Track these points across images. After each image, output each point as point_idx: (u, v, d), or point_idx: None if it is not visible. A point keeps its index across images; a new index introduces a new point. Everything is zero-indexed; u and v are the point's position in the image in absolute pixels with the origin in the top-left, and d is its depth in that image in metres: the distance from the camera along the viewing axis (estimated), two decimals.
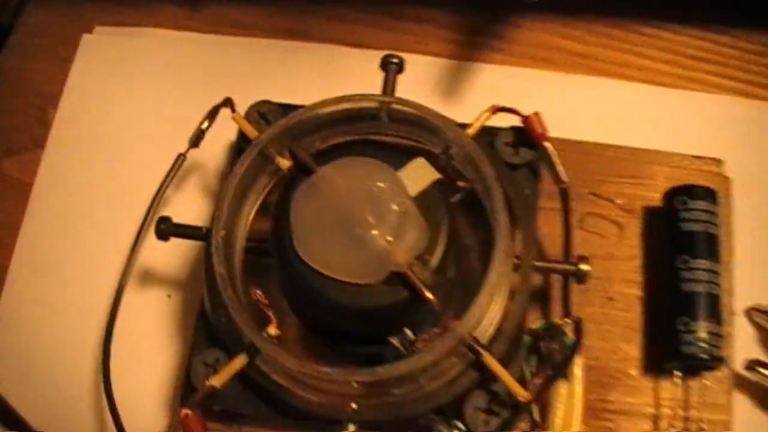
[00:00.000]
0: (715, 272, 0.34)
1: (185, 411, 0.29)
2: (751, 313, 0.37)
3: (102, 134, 0.41)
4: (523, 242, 0.32)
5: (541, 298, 0.36)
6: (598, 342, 0.35)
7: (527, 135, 0.34)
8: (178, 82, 0.42)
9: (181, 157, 0.37)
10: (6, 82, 0.43)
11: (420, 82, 0.41)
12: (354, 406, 0.30)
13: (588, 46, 0.43)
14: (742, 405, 0.35)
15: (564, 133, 0.37)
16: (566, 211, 0.34)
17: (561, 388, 0.33)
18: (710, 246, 0.34)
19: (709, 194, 0.35)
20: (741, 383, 0.36)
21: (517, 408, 0.30)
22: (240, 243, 0.33)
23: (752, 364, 0.35)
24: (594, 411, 0.34)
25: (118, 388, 0.33)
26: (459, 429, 0.30)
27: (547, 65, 0.42)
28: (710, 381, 0.34)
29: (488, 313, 0.31)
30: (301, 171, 0.31)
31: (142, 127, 0.41)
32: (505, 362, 0.30)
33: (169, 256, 0.38)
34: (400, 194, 0.29)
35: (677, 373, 0.33)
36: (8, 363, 0.37)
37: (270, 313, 0.31)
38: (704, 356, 0.32)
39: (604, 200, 0.37)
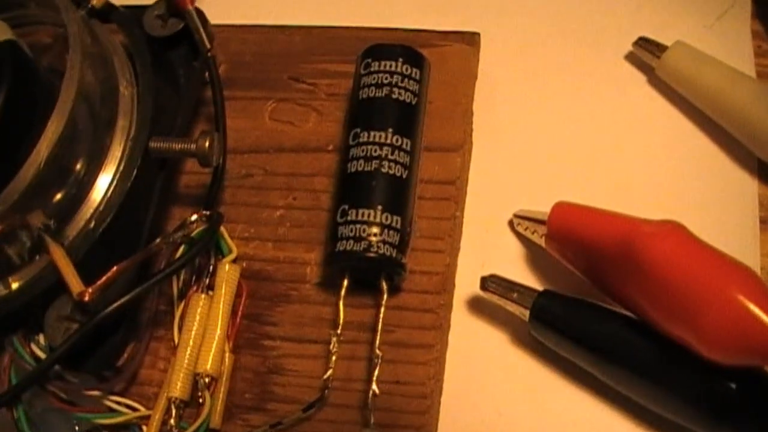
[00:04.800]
0: (399, 148, 0.26)
1: None
2: (514, 221, 0.29)
3: None
4: (137, 121, 0.26)
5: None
6: (273, 252, 0.27)
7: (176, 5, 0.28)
8: None
9: None
10: None
11: None
12: None
13: None
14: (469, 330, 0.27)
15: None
16: (213, 85, 0.27)
17: (198, 300, 0.26)
18: (394, 116, 0.26)
19: (403, 53, 0.27)
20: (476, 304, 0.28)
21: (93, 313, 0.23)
22: None
23: (487, 281, 0.27)
24: (253, 330, 0.27)
25: None
26: (37, 344, 0.25)
27: None
28: (413, 300, 0.26)
29: (79, 204, 0.25)
30: None
31: None
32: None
33: None
34: None
35: (345, 282, 0.25)
36: None
37: None
38: (363, 253, 0.24)
39: (306, 84, 0.30)
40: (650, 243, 0.24)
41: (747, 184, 0.29)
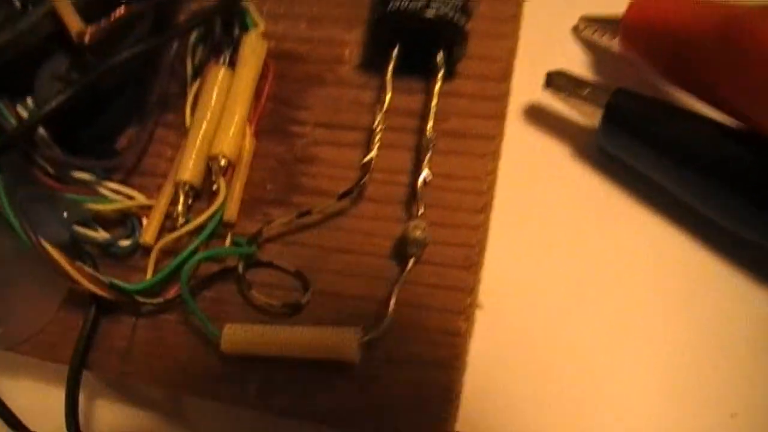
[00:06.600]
0: None
1: None
2: (579, 26, 0.25)
3: None
4: None
5: None
6: (306, 31, 0.23)
7: None
8: None
9: None
10: None
11: None
12: None
13: None
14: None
15: None
16: None
17: (216, 73, 0.22)
18: None
19: None
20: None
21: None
22: None
23: (554, 76, 0.23)
24: (280, 114, 0.23)
25: None
26: (25, 106, 0.20)
27: None
28: (471, 86, 0.22)
29: None
30: None
31: None
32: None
33: None
34: None
35: (395, 52, 0.22)
36: None
37: None
38: (420, 12, 0.20)
39: None
40: (756, 24, 0.20)
41: None
